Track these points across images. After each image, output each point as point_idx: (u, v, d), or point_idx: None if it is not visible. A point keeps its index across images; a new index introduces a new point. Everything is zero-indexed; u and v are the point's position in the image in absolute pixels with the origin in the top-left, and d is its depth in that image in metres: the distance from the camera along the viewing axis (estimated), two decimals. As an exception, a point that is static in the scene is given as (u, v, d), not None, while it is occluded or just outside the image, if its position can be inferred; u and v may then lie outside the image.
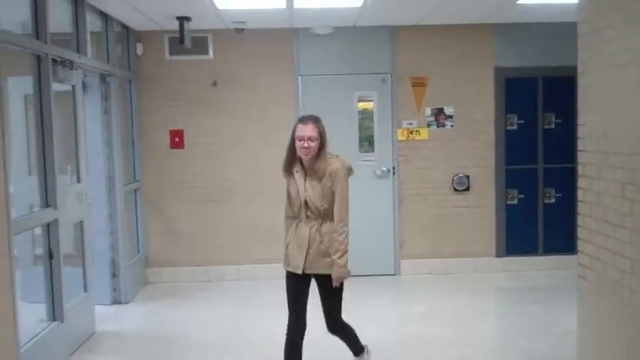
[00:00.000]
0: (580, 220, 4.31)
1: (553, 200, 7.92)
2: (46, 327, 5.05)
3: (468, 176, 7.91)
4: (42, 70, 5.00)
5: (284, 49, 7.78)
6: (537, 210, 8.00)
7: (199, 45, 7.49)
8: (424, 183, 7.91)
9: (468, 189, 7.92)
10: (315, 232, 4.14)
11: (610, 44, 3.94)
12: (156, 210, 7.85)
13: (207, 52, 7.67)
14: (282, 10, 6.64)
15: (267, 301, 6.77)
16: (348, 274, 4.15)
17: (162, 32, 7.56)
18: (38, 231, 5.31)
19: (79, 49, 5.82)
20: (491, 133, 7.90)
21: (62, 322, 5.22)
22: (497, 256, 7.99)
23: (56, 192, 5.11)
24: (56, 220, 5.14)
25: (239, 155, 7.82)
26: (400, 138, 7.86)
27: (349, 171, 4.17)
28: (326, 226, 4.14)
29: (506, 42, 7.79)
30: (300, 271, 4.16)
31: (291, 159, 4.22)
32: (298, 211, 4.20)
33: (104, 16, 6.61)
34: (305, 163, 4.17)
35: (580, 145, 4.34)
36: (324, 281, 4.16)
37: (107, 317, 6.50)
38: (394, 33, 7.78)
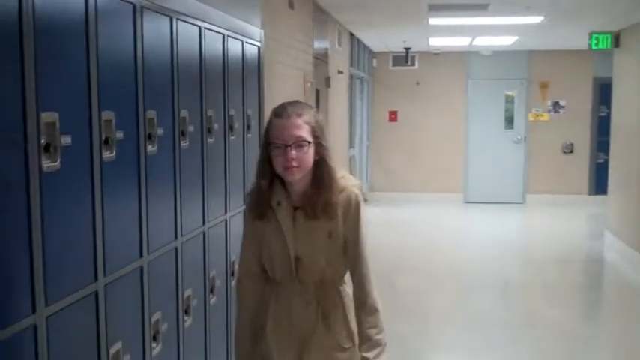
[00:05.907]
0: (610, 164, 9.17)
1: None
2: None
3: (572, 143, 12.66)
4: (352, 82, 10.29)
5: (460, 62, 12.79)
6: (617, 166, 12.63)
7: (410, 61, 12.60)
8: (544, 147, 12.73)
9: (572, 152, 12.68)
10: (316, 313, 2.37)
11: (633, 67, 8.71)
12: (378, 158, 13.13)
13: (414, 65, 12.80)
14: (465, 45, 11.66)
15: (445, 211, 11.97)
16: None
17: (388, 52, 12.77)
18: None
19: (358, 67, 11.10)
20: (588, 116, 12.60)
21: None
22: (589, 194, 12.72)
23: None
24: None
25: (429, 124, 12.90)
26: (530, 119, 12.71)
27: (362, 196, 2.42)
28: (331, 300, 2.39)
29: (600, 60, 12.38)
30: None
31: (266, 184, 2.33)
32: (283, 274, 2.38)
33: (362, 44, 11.84)
34: (293, 189, 2.33)
35: (612, 126, 9.16)
36: None
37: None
38: (530, 53, 12.60)
